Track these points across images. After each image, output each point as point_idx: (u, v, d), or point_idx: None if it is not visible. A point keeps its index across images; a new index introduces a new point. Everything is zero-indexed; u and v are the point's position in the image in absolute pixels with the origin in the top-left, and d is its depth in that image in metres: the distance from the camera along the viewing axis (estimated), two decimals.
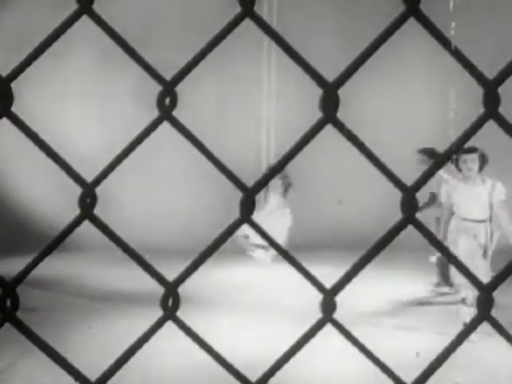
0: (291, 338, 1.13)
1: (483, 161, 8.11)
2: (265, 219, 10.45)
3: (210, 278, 9.58)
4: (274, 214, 11.34)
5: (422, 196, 10.13)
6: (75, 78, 14.40)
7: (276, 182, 11.46)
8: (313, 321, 1.13)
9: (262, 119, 14.47)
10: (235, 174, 1.11)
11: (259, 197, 11.73)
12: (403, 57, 13.97)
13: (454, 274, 8.15)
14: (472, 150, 8.01)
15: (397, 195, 1.12)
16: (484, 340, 6.79)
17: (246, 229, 7.72)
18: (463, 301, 8.11)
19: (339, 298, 1.13)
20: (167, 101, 1.07)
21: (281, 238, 10.88)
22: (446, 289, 10.16)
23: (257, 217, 1.11)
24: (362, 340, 1.17)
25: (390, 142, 11.84)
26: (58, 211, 12.25)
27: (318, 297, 1.13)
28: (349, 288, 1.18)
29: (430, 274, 10.36)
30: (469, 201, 8.15)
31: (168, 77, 1.09)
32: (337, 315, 1.12)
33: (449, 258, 1.20)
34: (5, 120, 1.05)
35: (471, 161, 8.05)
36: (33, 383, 6.95)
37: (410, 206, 1.11)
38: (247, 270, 10.78)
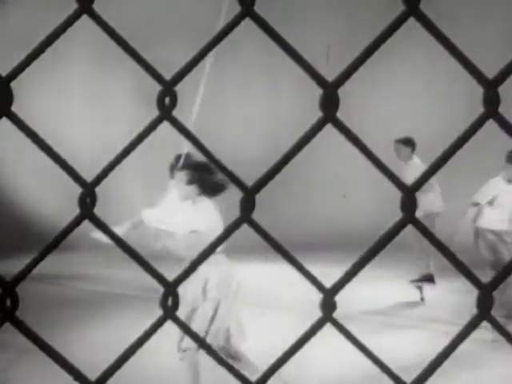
0: (292, 337, 1.13)
1: None
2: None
3: None
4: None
5: None
6: (75, 78, 14.39)
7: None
8: (312, 320, 1.13)
9: (263, 118, 14.46)
10: (235, 174, 1.11)
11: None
12: (404, 56, 13.96)
13: None
14: None
15: (397, 195, 1.12)
16: None
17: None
18: None
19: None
20: (167, 100, 1.07)
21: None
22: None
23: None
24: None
25: (390, 141, 11.80)
26: (58, 211, 12.23)
27: (318, 295, 1.13)
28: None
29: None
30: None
31: (168, 76, 1.09)
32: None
33: (448, 257, 1.20)
34: (5, 120, 1.05)
35: None
36: (32, 383, 6.94)
37: (409, 205, 1.11)
38: (246, 270, 10.75)
